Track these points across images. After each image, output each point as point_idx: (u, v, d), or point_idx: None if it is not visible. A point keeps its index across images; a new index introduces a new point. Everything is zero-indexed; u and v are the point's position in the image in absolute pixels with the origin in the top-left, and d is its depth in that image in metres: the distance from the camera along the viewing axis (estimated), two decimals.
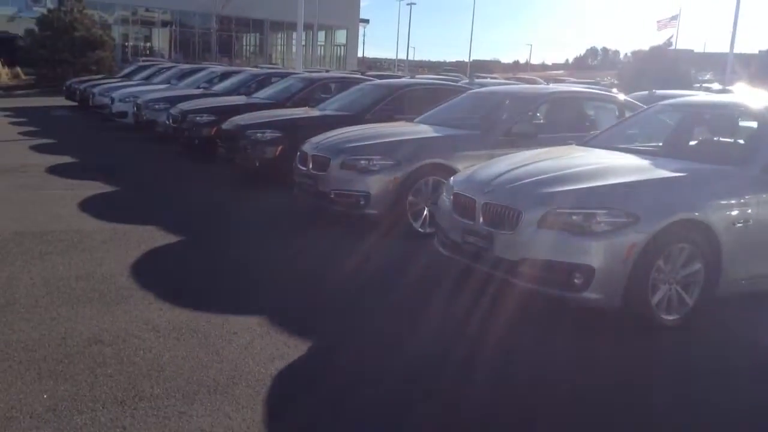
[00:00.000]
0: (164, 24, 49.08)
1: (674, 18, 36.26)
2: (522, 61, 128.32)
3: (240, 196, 8.60)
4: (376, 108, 9.33)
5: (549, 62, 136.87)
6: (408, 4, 75.40)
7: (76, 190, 8.27)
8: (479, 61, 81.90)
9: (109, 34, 36.68)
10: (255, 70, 16.70)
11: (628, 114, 7.39)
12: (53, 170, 9.67)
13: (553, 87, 10.31)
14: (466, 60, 68.61)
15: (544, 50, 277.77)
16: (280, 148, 8.72)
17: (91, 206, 7.45)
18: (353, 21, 56.78)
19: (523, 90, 8.99)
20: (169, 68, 20.19)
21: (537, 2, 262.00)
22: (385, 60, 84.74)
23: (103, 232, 6.36)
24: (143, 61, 28.58)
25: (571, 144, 6.20)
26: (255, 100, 11.75)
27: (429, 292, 5.07)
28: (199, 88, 15.21)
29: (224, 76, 15.80)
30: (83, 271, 5.13)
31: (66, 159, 10.78)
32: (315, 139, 7.48)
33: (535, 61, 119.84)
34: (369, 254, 6.11)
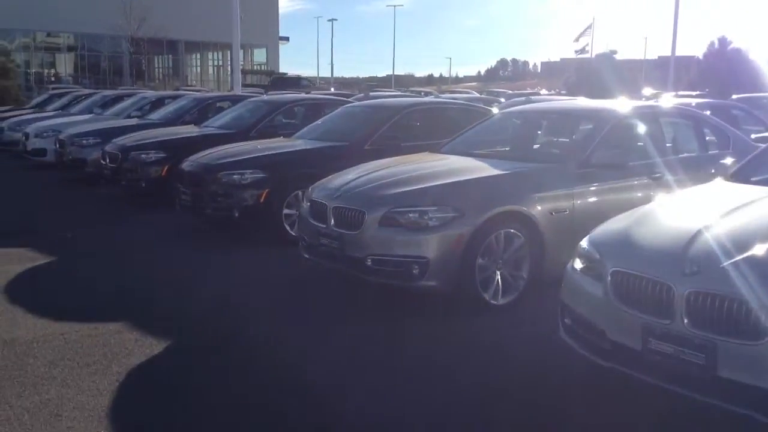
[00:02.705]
0: (69, 49, 47.94)
1: (589, 27, 38.07)
2: (436, 74, 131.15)
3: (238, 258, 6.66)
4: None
5: (461, 75, 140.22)
6: (329, 21, 76.01)
7: None
8: (396, 76, 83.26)
9: (13, 61, 35.36)
10: (197, 95, 14.40)
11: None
12: None
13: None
14: (381, 75, 69.65)
15: (456, 64, 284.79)
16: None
17: (24, 294, 5.31)
18: (273, 39, 56.91)
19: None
20: (87, 95, 17.96)
21: (449, 19, 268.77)
22: (305, 78, 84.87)
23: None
24: (53, 88, 27.22)
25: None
26: (210, 130, 9.83)
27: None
28: (130, 117, 13.06)
29: (158, 102, 13.89)
30: None
31: None
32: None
33: (447, 74, 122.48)
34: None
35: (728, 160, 4.90)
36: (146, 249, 6.98)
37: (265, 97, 11.91)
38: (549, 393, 3.65)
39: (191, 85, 44.72)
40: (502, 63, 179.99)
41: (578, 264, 3.70)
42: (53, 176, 12.19)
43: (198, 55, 58.47)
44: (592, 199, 5.29)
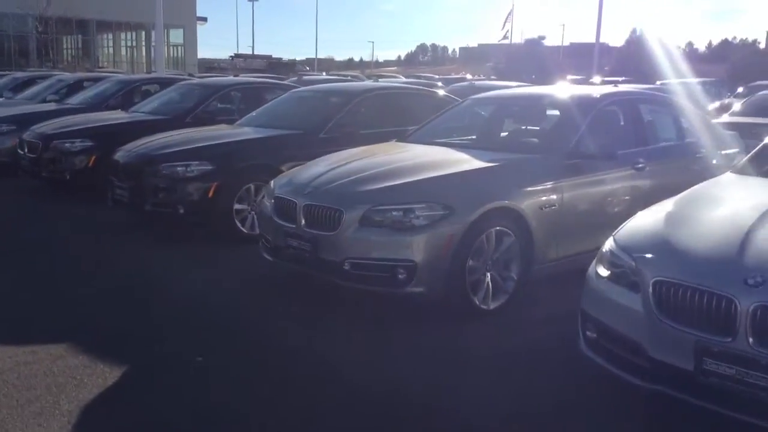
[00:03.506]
0: None
1: (510, 14, 38.47)
2: (357, 58, 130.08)
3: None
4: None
5: (381, 59, 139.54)
6: (249, 0, 73.54)
7: None
8: (313, 59, 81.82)
9: None
10: (121, 77, 13.41)
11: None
12: None
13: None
14: (299, 58, 68.27)
15: (377, 48, 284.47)
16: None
17: None
18: (190, 19, 54.50)
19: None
20: None
21: (366, 3, 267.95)
22: (223, 60, 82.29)
23: None
24: None
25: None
26: (141, 116, 8.98)
27: None
28: (46, 101, 11.79)
29: (76, 85, 12.73)
30: None
31: None
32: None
33: (368, 58, 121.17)
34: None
35: (726, 152, 4.66)
36: (80, 250, 6.21)
37: (196, 80, 11.07)
38: (575, 416, 3.28)
39: (103, 67, 42.45)
40: (422, 48, 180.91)
41: (603, 271, 3.32)
42: None
43: (110, 36, 55.47)
44: (580, 192, 4.97)
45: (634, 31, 32.45)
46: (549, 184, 4.81)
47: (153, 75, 14.65)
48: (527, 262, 4.69)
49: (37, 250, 6.21)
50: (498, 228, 4.49)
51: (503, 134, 6.22)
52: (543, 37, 38.02)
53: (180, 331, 4.31)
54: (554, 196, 4.81)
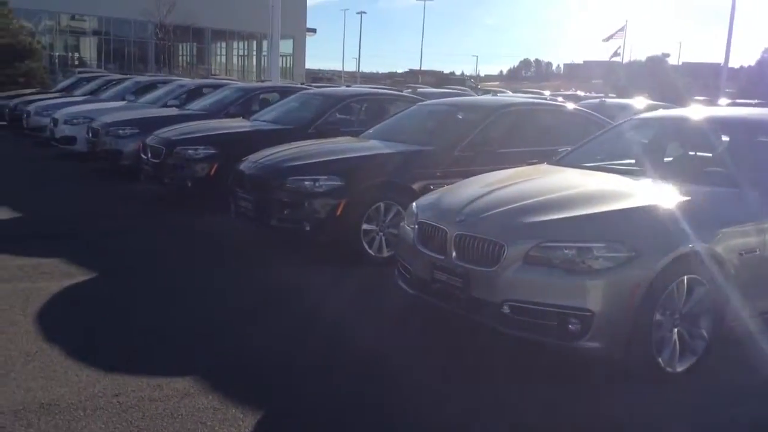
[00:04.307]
0: (94, 33, 47.06)
1: (621, 30, 36.61)
2: (458, 72, 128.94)
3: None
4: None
5: (483, 74, 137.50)
6: (358, 13, 74.27)
7: (23, 281, 5.09)
8: (414, 71, 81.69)
9: (39, 42, 34.04)
10: (241, 84, 13.22)
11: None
12: None
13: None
14: (400, 71, 68.25)
15: (479, 63, 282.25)
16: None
17: (62, 328, 4.21)
18: (300, 30, 55.64)
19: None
20: (118, 81, 16.45)
21: (471, 17, 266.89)
22: (328, 71, 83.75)
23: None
24: (80, 72, 26.07)
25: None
26: (262, 125, 8.69)
27: None
28: (167, 106, 11.69)
29: (196, 91, 12.59)
30: None
31: (5, 215, 7.43)
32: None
33: (469, 72, 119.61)
34: None
35: None
36: (207, 264, 5.90)
37: (317, 89, 10.78)
38: None
39: (216, 75, 43.77)
40: (525, 63, 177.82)
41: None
42: (84, 168, 11.15)
43: (223, 44, 57.44)
44: None
45: (766, 50, 30.04)
46: (749, 225, 4.03)
47: (271, 83, 14.35)
48: (720, 317, 3.91)
49: (173, 263, 5.95)
50: (690, 276, 3.75)
51: (667, 160, 5.43)
52: (667, 55, 35.99)
53: (323, 368, 3.82)
54: (756, 239, 4.01)
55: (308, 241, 6.10)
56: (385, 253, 6.06)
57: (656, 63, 31.82)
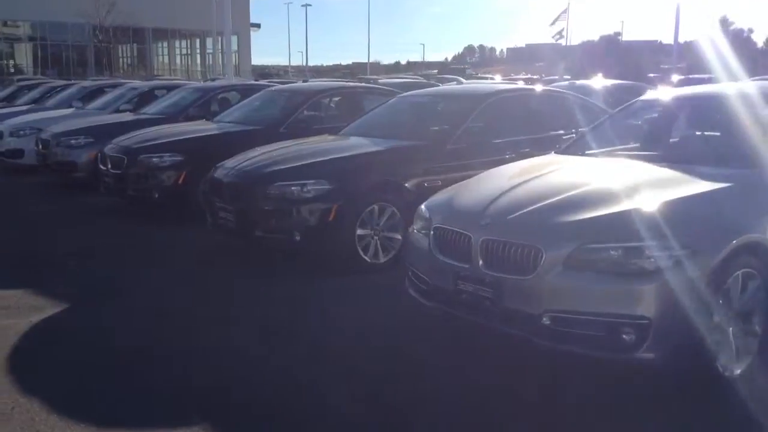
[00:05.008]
0: (30, 38, 45.09)
1: (564, 12, 36.90)
2: (403, 61, 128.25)
3: None
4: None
5: (427, 61, 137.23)
6: (303, 6, 72.85)
7: None
8: (359, 63, 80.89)
9: None
10: (198, 85, 12.92)
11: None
12: None
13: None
14: (343, 62, 67.45)
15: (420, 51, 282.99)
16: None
17: (38, 374, 3.66)
18: (244, 26, 54.30)
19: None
20: (62, 87, 15.58)
21: (414, 6, 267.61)
22: (274, 66, 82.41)
23: None
24: (18, 80, 24.65)
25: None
26: (229, 127, 8.19)
27: None
28: (119, 111, 11.09)
29: (149, 93, 12.02)
30: None
31: None
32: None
33: (414, 60, 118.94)
34: None
35: None
36: (188, 283, 5.36)
37: (284, 86, 10.23)
38: None
39: (158, 75, 42.38)
40: (469, 49, 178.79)
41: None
42: (33, 182, 10.37)
43: (165, 44, 55.83)
44: None
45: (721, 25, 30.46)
46: None
47: (227, 82, 13.55)
48: None
49: (152, 284, 5.38)
50: (745, 270, 3.43)
51: (691, 142, 5.12)
52: (619, 34, 36.13)
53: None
54: None
55: (298, 251, 5.61)
56: (382, 259, 5.64)
57: (610, 42, 31.91)
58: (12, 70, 41.63)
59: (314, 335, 4.26)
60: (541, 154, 5.18)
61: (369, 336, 4.22)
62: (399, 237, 5.64)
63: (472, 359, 3.85)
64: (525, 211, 3.70)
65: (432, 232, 4.00)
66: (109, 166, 7.73)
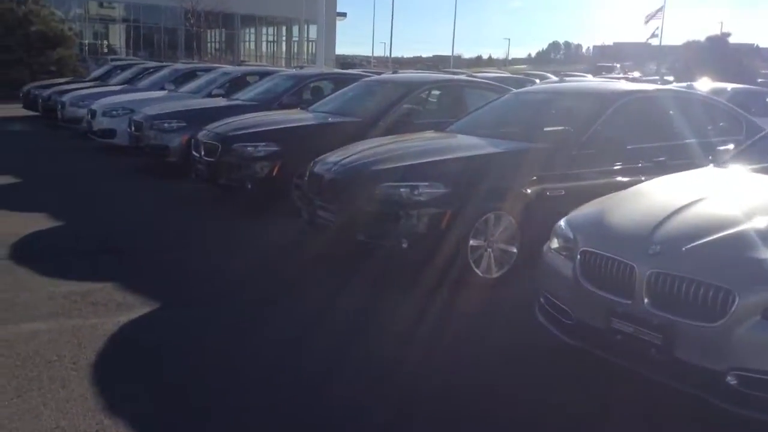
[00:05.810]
0: (124, 20, 46.42)
1: (659, 10, 35.07)
2: (485, 56, 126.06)
3: None
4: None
5: (510, 57, 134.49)
6: None
7: (71, 316, 4.14)
8: (440, 56, 79.66)
9: (71, 29, 33.01)
10: (292, 72, 12.49)
11: None
12: (24, 256, 5.32)
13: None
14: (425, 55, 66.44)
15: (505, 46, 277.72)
16: None
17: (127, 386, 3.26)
18: (330, 14, 54.32)
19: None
20: (155, 69, 15.53)
21: (499, 1, 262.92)
22: (357, 56, 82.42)
23: None
24: (112, 60, 25.12)
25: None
26: (325, 117, 7.70)
27: None
28: (212, 96, 10.71)
29: (241, 79, 11.82)
30: None
31: (42, 223, 6.42)
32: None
33: (497, 55, 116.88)
34: None
35: None
36: (293, 284, 4.92)
37: (384, 77, 9.72)
38: None
39: (244, 61, 42.81)
40: (554, 46, 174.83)
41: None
42: (124, 163, 10.24)
43: (252, 30, 56.56)
44: None
45: None
46: None
47: (321, 71, 13.09)
48: None
49: (231, 286, 4.98)
50: None
51: None
52: (728, 35, 33.87)
53: None
54: None
55: (407, 260, 5.07)
56: (494, 274, 5.06)
57: (717, 43, 29.96)
58: (105, 51, 42.88)
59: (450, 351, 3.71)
60: (678, 164, 4.49)
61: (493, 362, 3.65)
62: (515, 250, 5.07)
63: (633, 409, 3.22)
64: (706, 240, 3.03)
65: (579, 257, 3.38)
66: (202, 153, 7.40)
